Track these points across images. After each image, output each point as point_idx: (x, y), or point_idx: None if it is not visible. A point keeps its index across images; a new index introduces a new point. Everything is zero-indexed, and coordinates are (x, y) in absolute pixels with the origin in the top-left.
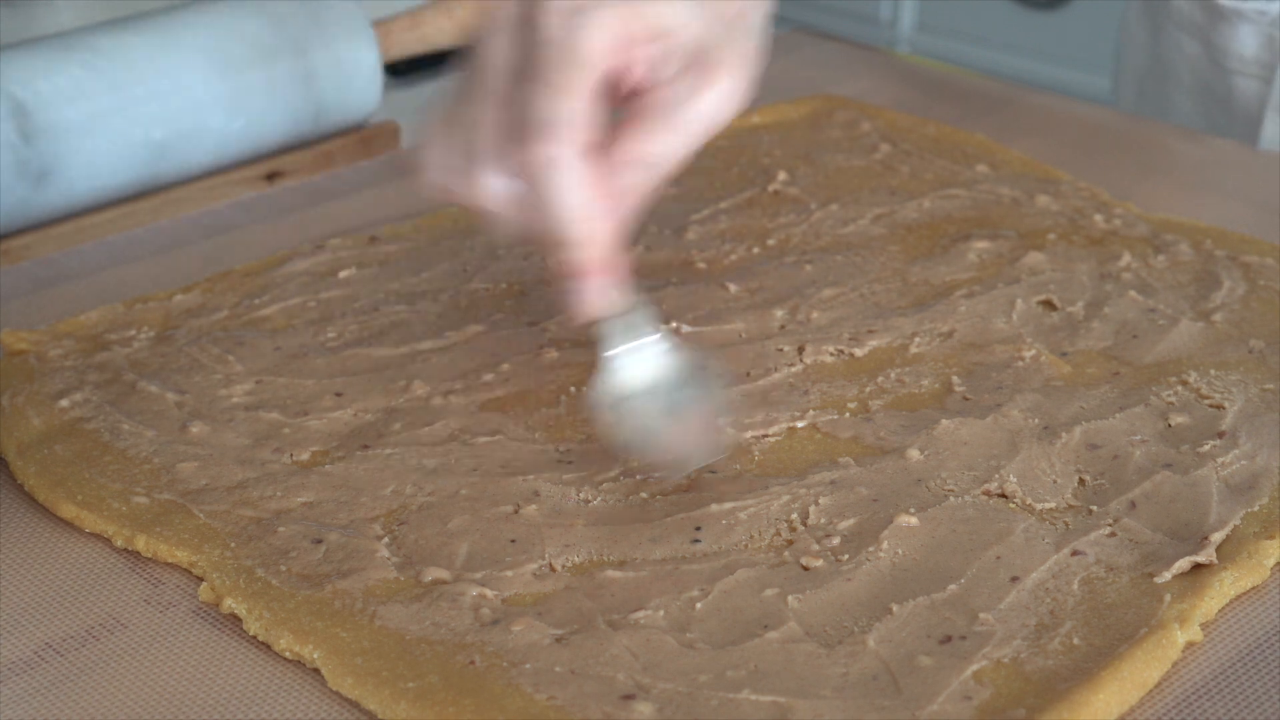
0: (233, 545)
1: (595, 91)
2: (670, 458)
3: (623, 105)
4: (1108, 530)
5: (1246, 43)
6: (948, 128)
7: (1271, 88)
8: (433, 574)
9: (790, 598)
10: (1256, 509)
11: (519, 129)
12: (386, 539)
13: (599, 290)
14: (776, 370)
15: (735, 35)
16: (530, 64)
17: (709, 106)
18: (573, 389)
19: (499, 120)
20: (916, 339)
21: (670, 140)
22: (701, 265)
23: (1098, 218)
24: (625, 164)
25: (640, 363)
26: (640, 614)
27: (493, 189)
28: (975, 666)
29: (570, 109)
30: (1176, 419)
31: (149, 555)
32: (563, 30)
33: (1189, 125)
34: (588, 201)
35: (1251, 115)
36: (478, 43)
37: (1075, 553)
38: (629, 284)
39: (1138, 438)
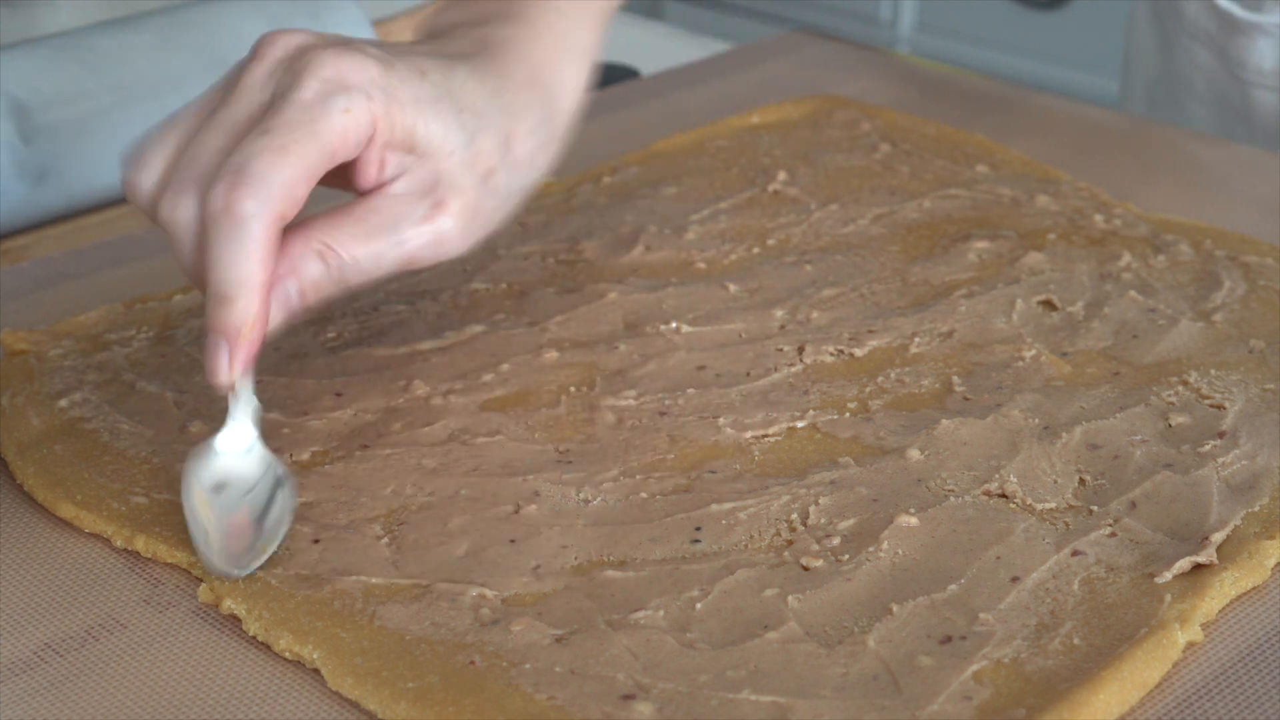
0: None
1: (318, 169)
2: (219, 556)
3: (340, 188)
4: (1108, 530)
5: (1265, 55)
6: (948, 128)
7: None
8: (433, 574)
9: (790, 598)
10: (1257, 509)
11: (226, 170)
12: (386, 539)
13: (232, 357)
14: (776, 370)
15: (481, 190)
16: (272, 112)
17: (426, 239)
18: (573, 389)
19: (218, 150)
20: (916, 339)
21: (374, 252)
22: (701, 265)
23: (1098, 218)
24: (316, 252)
25: (236, 450)
26: (640, 614)
27: (181, 214)
28: (975, 666)
29: (285, 176)
30: (1177, 419)
31: (148, 555)
32: (317, 97)
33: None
34: (254, 271)
35: (1271, 128)
36: (245, 62)
37: (1075, 553)
38: (252, 370)
39: (1138, 438)
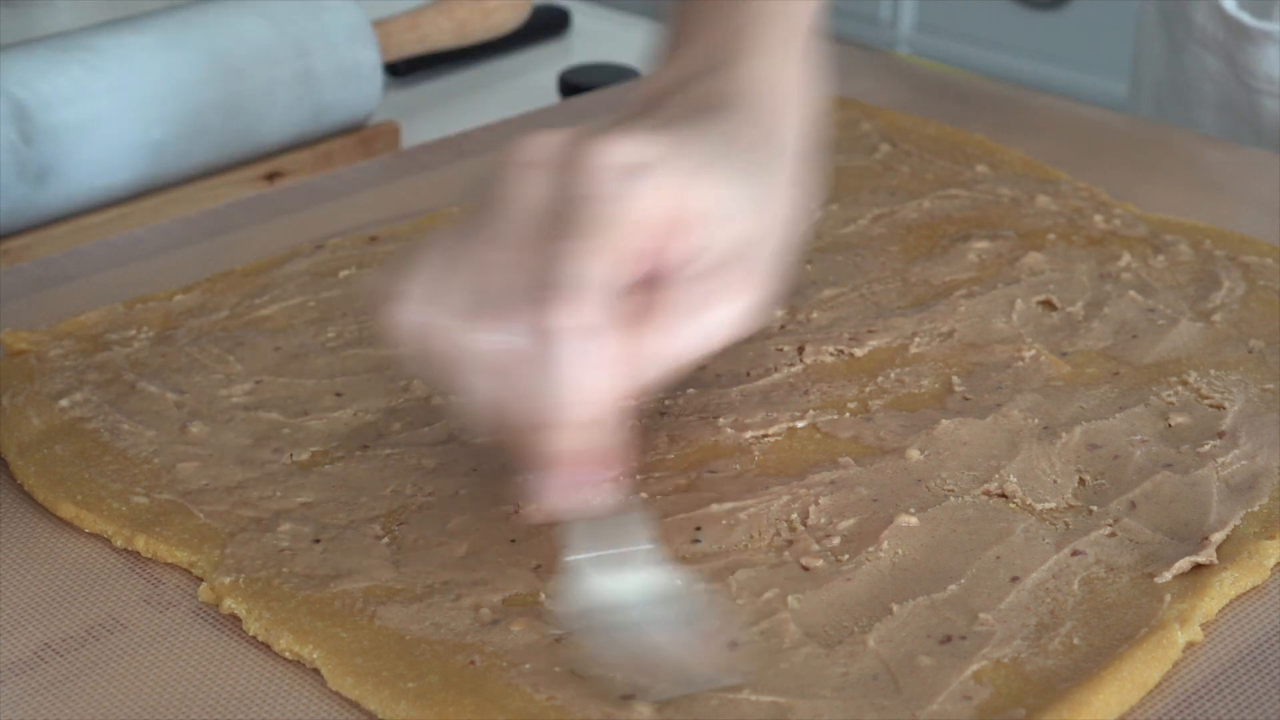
0: (233, 545)
1: (631, 263)
2: (670, 676)
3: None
4: (1108, 530)
5: (1275, 63)
6: (948, 128)
7: None
8: (433, 574)
9: (790, 598)
10: (1257, 509)
11: (539, 286)
12: (386, 539)
13: (580, 484)
14: (776, 370)
15: (761, 251)
16: (566, 217)
17: (729, 319)
18: None
19: (515, 270)
20: (916, 339)
21: (687, 342)
22: None
23: (1098, 218)
24: (634, 357)
25: (615, 572)
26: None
27: (485, 345)
28: (975, 666)
29: (605, 275)
30: (1176, 419)
31: (149, 555)
32: (614, 187)
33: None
34: (598, 382)
35: (1279, 136)
36: (505, 177)
37: (1075, 553)
38: (621, 484)
39: (1138, 438)
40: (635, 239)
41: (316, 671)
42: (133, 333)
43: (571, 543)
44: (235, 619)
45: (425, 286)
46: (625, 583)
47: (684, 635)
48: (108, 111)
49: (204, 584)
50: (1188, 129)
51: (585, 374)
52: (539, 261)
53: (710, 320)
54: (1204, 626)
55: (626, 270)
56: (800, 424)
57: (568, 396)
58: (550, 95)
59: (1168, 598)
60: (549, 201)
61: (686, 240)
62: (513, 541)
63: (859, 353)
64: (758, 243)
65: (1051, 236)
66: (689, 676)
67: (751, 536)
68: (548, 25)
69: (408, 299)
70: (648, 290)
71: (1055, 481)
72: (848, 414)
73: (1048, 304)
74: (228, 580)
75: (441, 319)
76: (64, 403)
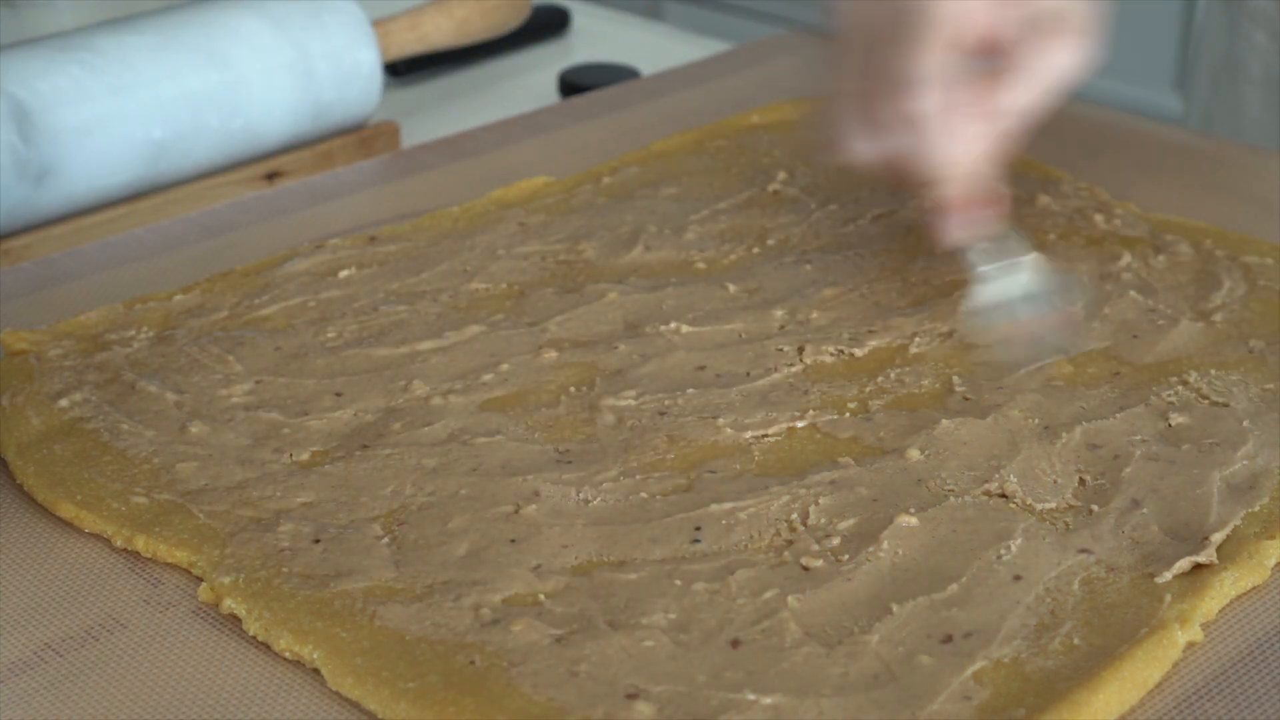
0: (232, 545)
1: (956, 48)
2: (1027, 346)
3: (984, 58)
4: (1108, 530)
5: None
6: None
7: None
8: (433, 574)
9: (790, 598)
10: (1257, 509)
11: (887, 87)
12: (386, 539)
13: (968, 222)
14: (776, 370)
15: (1081, 7)
16: (883, 30)
17: (1065, 66)
18: (572, 389)
19: (864, 81)
20: (916, 339)
21: (1031, 95)
22: (701, 265)
23: (1098, 218)
24: (992, 115)
25: (1007, 279)
26: (641, 614)
27: (861, 148)
28: (975, 666)
29: (935, 66)
30: (1177, 419)
31: (149, 555)
32: None
33: (1259, 119)
34: (956, 146)
35: None
36: (835, 11)
37: (1075, 552)
38: (1000, 214)
39: (1138, 438)
40: (949, 29)
41: (316, 671)
42: (133, 333)
43: (973, 260)
44: (235, 619)
45: (842, 125)
46: (1013, 284)
47: (1047, 313)
48: (108, 111)
49: (204, 584)
50: (1188, 129)
51: (942, 143)
52: (878, 70)
53: (1053, 70)
54: (1204, 626)
55: (953, 54)
56: (800, 424)
57: (937, 161)
58: (550, 95)
59: (1168, 598)
60: (874, 20)
61: (1018, 8)
62: (513, 541)
63: (859, 353)
64: (1070, 4)
65: (1052, 236)
66: (1042, 345)
67: (751, 536)
68: (548, 25)
69: (840, 141)
70: (995, 55)
71: (1055, 481)
72: (848, 414)
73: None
74: (228, 580)
75: (832, 140)
76: (64, 403)
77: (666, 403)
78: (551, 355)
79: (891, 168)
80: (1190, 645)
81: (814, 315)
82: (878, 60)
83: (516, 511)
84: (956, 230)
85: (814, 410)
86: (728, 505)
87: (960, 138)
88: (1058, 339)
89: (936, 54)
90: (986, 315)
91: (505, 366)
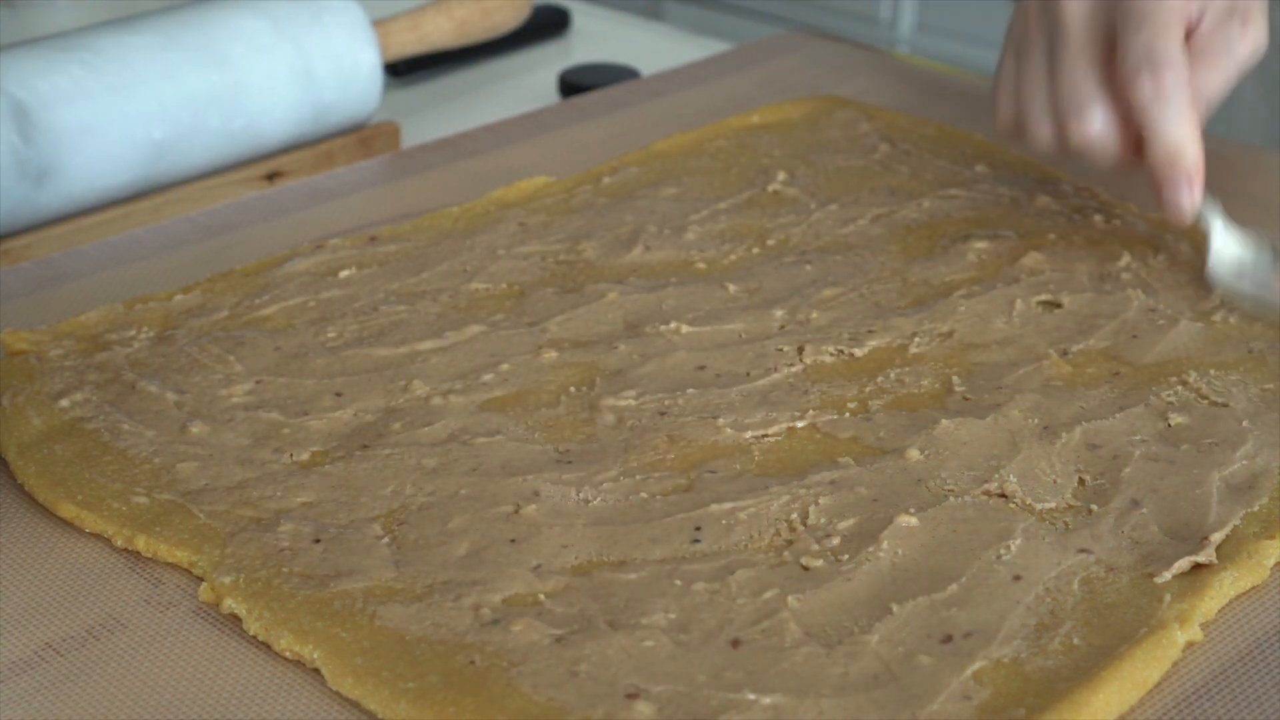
0: (233, 545)
1: (1187, 33)
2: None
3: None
4: (1107, 530)
5: None
6: (947, 128)
7: None
8: (433, 574)
9: (790, 598)
10: (1256, 509)
11: (1130, 69)
12: (386, 539)
13: (1192, 193)
14: (776, 370)
15: None
16: (1127, 17)
17: (1250, 50)
18: (572, 389)
19: (1096, 66)
20: (916, 339)
21: (1224, 76)
22: (701, 265)
23: (1098, 218)
24: (1198, 95)
25: (1235, 237)
26: (641, 614)
27: (1098, 124)
28: (975, 666)
29: (1178, 46)
30: (1176, 419)
31: (149, 555)
32: None
33: (1252, 109)
34: (1194, 123)
35: None
36: (1051, 9)
37: (1075, 552)
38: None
39: (1137, 437)
40: (1184, 14)
41: (316, 671)
42: (133, 333)
43: (1211, 218)
44: (235, 619)
45: (1021, 104)
46: (1240, 243)
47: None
48: (108, 111)
49: (204, 584)
50: None
51: (1187, 118)
52: (1113, 57)
53: (1242, 54)
54: (1203, 626)
55: (1185, 39)
56: (800, 424)
57: (1180, 136)
58: (550, 95)
59: (1167, 598)
60: (1098, 15)
61: (1211, 5)
62: (513, 541)
63: (859, 353)
64: None
65: (1052, 236)
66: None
67: (751, 536)
68: (548, 25)
69: (1009, 114)
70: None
71: (1055, 481)
72: (848, 414)
73: (1048, 304)
74: (228, 580)
75: (1033, 123)
76: (64, 403)
77: (666, 403)
78: (551, 355)
79: (1116, 147)
80: (1190, 645)
81: (814, 315)
82: (1123, 44)
83: (516, 511)
84: (1191, 200)
85: (814, 410)
86: (728, 505)
87: (1190, 115)
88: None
89: (1180, 37)
90: (1239, 268)
91: (505, 366)
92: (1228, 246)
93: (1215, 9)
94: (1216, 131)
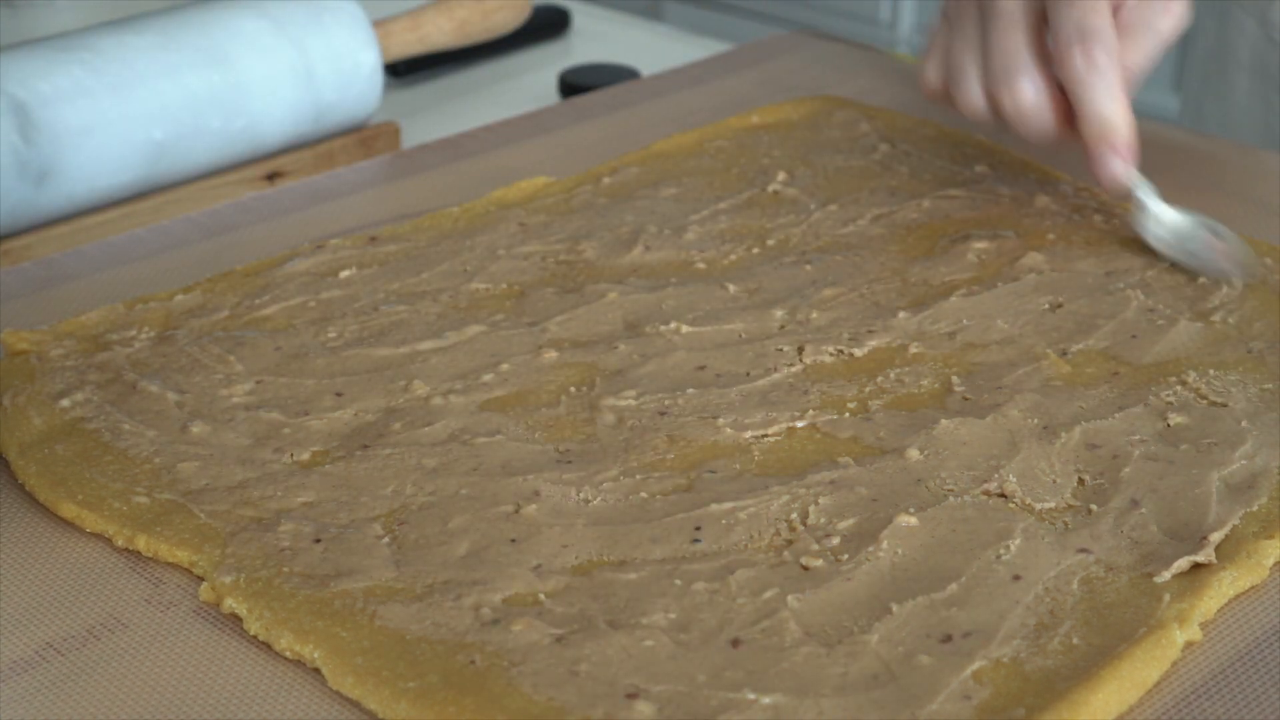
0: (233, 545)
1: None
2: (1224, 264)
3: None
4: (1107, 530)
5: None
6: (947, 128)
7: None
8: (433, 574)
9: (790, 598)
10: (1256, 509)
11: (1062, 43)
12: (386, 539)
13: (1125, 163)
14: (776, 370)
15: None
16: None
17: (1173, 25)
18: (572, 389)
19: (1029, 38)
20: (916, 339)
21: (1147, 52)
22: (701, 265)
23: (1098, 218)
24: (1124, 67)
25: (1161, 204)
26: (641, 614)
27: (1030, 94)
28: (975, 666)
29: (1108, 22)
30: (1176, 419)
31: (149, 555)
32: None
33: (1246, 106)
34: (1125, 96)
35: None
36: None
37: (1075, 552)
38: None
39: (1137, 437)
40: None
41: (317, 671)
42: (133, 333)
43: (1138, 184)
44: (236, 619)
45: (947, 70)
46: (1178, 215)
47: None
48: (108, 111)
49: (205, 583)
50: (1187, 129)
51: (1117, 90)
52: (1043, 30)
53: (1165, 29)
54: (1203, 626)
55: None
56: (800, 424)
57: (1110, 108)
58: (550, 95)
59: (1167, 597)
60: None
61: None
62: (513, 541)
63: (859, 353)
64: None
65: (1051, 236)
66: (1235, 266)
67: (751, 536)
68: (548, 25)
69: (935, 78)
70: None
71: (1055, 481)
72: (847, 414)
73: (1048, 304)
74: (228, 580)
75: (961, 90)
76: (65, 403)
77: (666, 403)
78: (551, 355)
79: (1046, 116)
80: (1189, 645)
81: (814, 315)
82: (1054, 16)
83: (517, 511)
84: (1121, 170)
85: (814, 410)
86: (728, 505)
87: (1121, 89)
88: (1231, 264)
89: (1109, 12)
90: (1179, 237)
91: (505, 366)
92: (1164, 213)
93: None
94: (1214, 132)
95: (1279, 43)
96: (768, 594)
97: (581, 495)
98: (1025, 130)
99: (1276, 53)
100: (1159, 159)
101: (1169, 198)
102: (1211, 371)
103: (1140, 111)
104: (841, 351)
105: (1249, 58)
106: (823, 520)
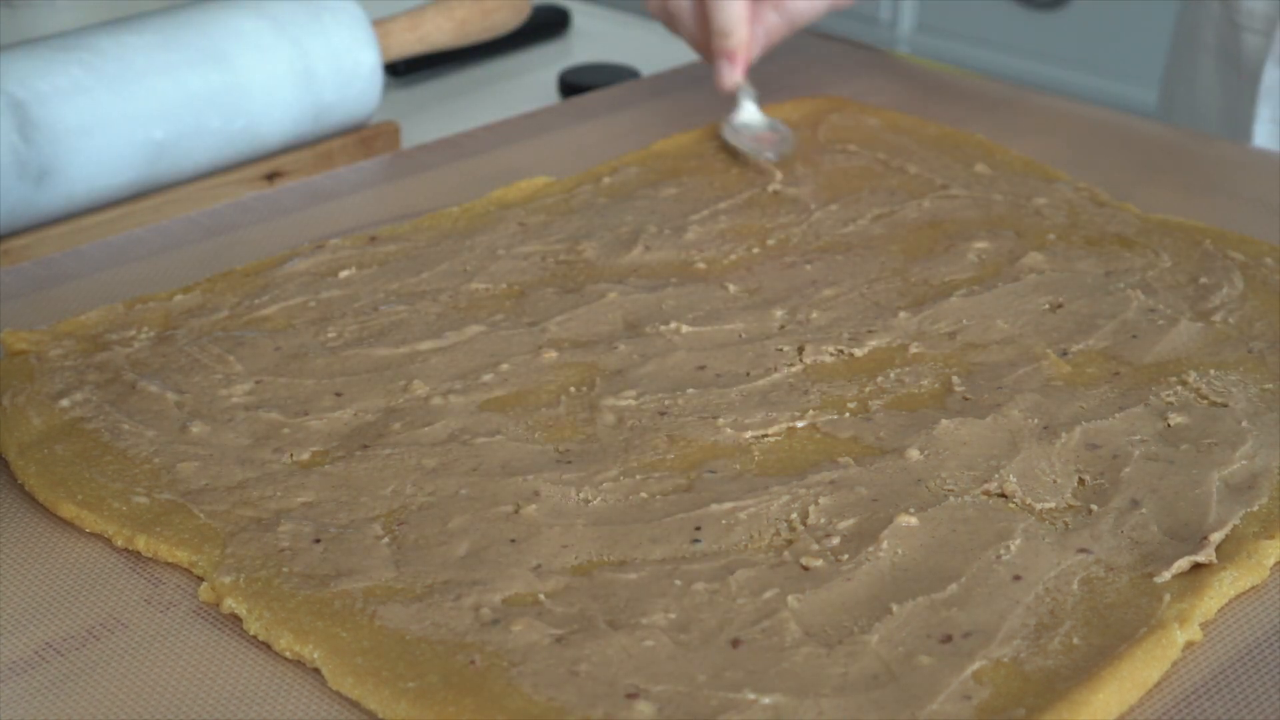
0: (233, 545)
1: None
2: (765, 147)
3: None
4: (1107, 530)
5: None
6: (948, 128)
7: (1272, 40)
8: (433, 574)
9: (790, 598)
10: (1256, 509)
11: None
12: (386, 539)
13: (734, 70)
14: (776, 370)
15: None
16: None
17: None
18: (572, 389)
19: None
20: (916, 339)
21: (814, 6)
22: (701, 265)
23: (1098, 218)
24: (773, 5)
25: (750, 108)
26: (641, 614)
27: (682, 6)
28: (975, 666)
29: None
30: (1176, 419)
31: (149, 555)
32: None
33: (1208, 85)
34: (741, 12)
35: (1254, 69)
36: None
37: (1075, 552)
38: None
39: (1137, 437)
40: None
41: (317, 671)
42: (133, 333)
43: (744, 91)
44: (235, 619)
45: None
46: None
47: (773, 132)
48: (107, 111)
49: (204, 584)
50: (1187, 129)
51: (732, 8)
52: None
53: None
54: (1203, 626)
55: None
56: (800, 424)
57: (724, 19)
58: (550, 95)
59: (1167, 597)
60: None
61: None
62: (513, 541)
63: (859, 353)
64: None
65: (1052, 236)
66: (772, 148)
67: (751, 536)
68: (548, 25)
69: None
70: None
71: (1055, 481)
72: (847, 414)
73: (1048, 304)
74: (228, 580)
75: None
76: (64, 403)
77: (666, 403)
78: (551, 355)
79: (694, 25)
80: (1189, 645)
81: (814, 315)
82: None
83: (516, 511)
84: (731, 73)
85: (814, 410)
86: (728, 505)
87: (742, 5)
88: (771, 150)
89: None
90: (743, 129)
91: (505, 366)
92: (747, 113)
93: None
94: (1182, 117)
95: (1241, 25)
96: (768, 594)
97: (581, 495)
98: (680, 31)
99: (1235, 34)
100: (1159, 159)
101: (1169, 198)
102: (1212, 371)
103: (1123, 106)
104: (842, 351)
105: (1214, 40)
106: (823, 520)
